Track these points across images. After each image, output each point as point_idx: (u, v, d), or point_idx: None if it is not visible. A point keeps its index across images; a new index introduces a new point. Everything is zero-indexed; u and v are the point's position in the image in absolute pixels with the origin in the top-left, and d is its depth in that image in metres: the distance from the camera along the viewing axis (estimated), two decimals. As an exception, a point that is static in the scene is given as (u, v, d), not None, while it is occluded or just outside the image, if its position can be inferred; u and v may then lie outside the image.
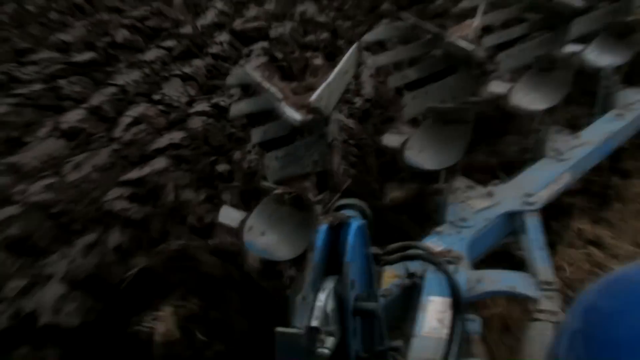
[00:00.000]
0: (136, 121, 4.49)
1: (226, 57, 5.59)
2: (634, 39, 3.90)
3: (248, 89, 2.58)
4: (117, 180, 3.86)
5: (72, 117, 4.42)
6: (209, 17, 6.34)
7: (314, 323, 1.53)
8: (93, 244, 3.40)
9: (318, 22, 6.33)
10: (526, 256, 2.98)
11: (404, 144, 2.95)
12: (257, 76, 2.45)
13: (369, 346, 1.80)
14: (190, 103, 4.86)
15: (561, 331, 1.21)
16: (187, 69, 5.21)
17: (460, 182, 3.27)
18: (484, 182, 3.37)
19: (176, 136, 4.32)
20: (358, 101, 4.91)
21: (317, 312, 1.55)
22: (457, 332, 2.06)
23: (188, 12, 6.47)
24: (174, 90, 4.93)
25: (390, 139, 3.02)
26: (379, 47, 3.14)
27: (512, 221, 3.20)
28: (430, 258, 2.16)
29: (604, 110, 4.14)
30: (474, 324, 2.50)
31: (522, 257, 3.08)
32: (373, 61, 3.02)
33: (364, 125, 4.65)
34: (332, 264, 1.65)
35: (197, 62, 5.37)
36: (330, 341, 1.56)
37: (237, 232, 2.39)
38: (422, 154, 2.96)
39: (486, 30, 3.44)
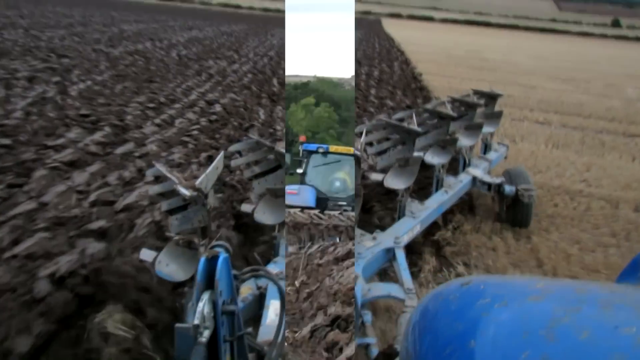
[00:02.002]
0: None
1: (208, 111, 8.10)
2: (450, 149, 4.13)
3: (159, 178, 2.40)
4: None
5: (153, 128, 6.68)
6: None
7: (196, 322, 1.41)
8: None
9: (237, 100, 9.07)
10: (397, 274, 2.97)
11: (253, 210, 2.87)
12: (164, 170, 2.30)
13: (232, 333, 1.66)
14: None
15: (410, 320, 1.17)
16: (199, 120, 7.52)
17: (357, 231, 3.18)
18: (370, 232, 3.31)
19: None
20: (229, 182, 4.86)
21: (198, 314, 1.43)
22: (283, 320, 1.94)
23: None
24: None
25: (246, 207, 2.94)
26: (238, 154, 3.07)
27: (389, 254, 3.17)
28: (269, 276, 2.05)
29: (437, 188, 4.32)
30: (367, 316, 2.43)
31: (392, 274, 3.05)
32: (234, 162, 2.93)
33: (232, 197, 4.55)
34: (209, 282, 1.53)
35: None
36: (206, 332, 1.44)
37: (152, 264, 2.17)
38: (264, 215, 2.89)
39: (369, 144, 3.49)
